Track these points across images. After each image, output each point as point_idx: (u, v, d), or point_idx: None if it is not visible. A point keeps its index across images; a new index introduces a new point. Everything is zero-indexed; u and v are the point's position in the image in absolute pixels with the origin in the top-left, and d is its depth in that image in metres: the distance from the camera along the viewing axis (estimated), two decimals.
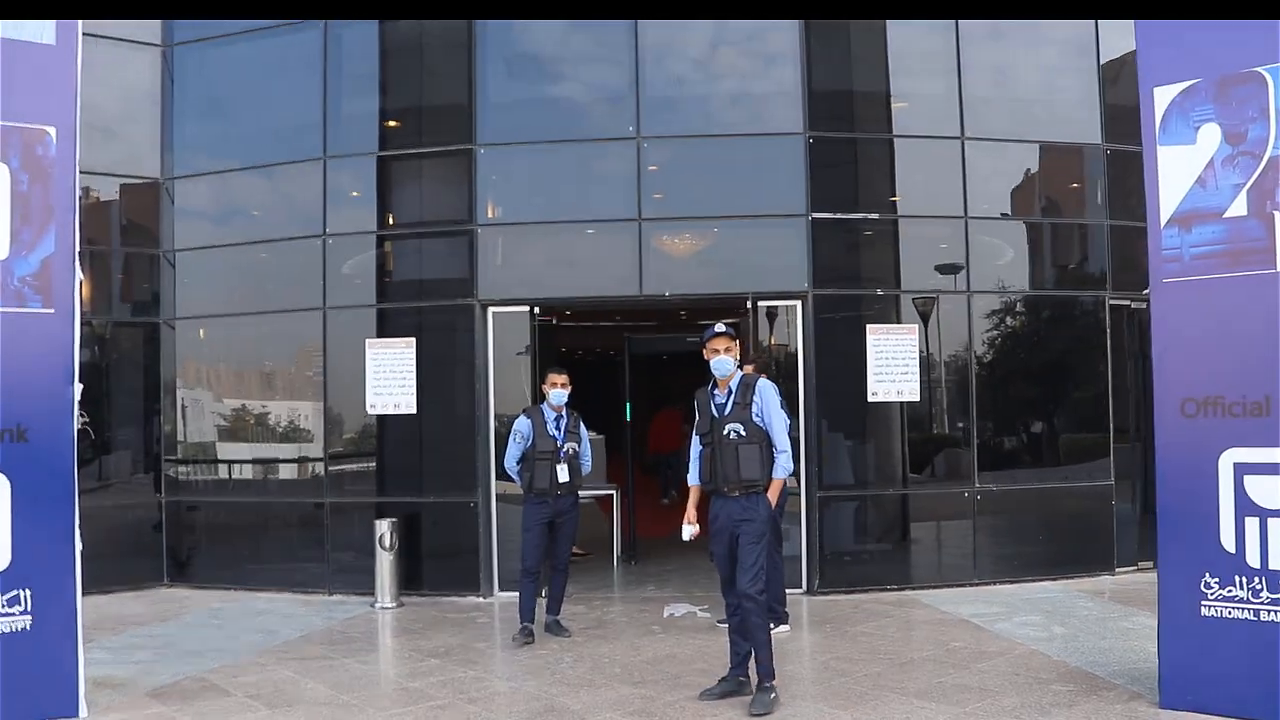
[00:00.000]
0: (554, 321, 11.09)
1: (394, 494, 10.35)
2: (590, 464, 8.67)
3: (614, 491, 12.12)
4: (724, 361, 6.50)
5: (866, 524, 10.31)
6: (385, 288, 10.53)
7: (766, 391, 6.47)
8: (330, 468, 10.51)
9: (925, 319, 10.15)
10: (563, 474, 8.23)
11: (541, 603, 8.56)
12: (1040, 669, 6.91)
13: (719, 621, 8.18)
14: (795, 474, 8.44)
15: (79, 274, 6.33)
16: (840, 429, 10.10)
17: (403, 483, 10.42)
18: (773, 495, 6.43)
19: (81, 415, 6.43)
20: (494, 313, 10.21)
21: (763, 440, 6.35)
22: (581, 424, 8.53)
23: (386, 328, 10.39)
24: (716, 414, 6.49)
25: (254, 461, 11.13)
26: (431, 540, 10.33)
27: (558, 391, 8.28)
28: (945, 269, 10.22)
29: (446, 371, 10.28)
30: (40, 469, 6.10)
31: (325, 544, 10.42)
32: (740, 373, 6.63)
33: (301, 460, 10.81)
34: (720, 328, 6.56)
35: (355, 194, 10.51)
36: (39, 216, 6.20)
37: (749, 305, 10.07)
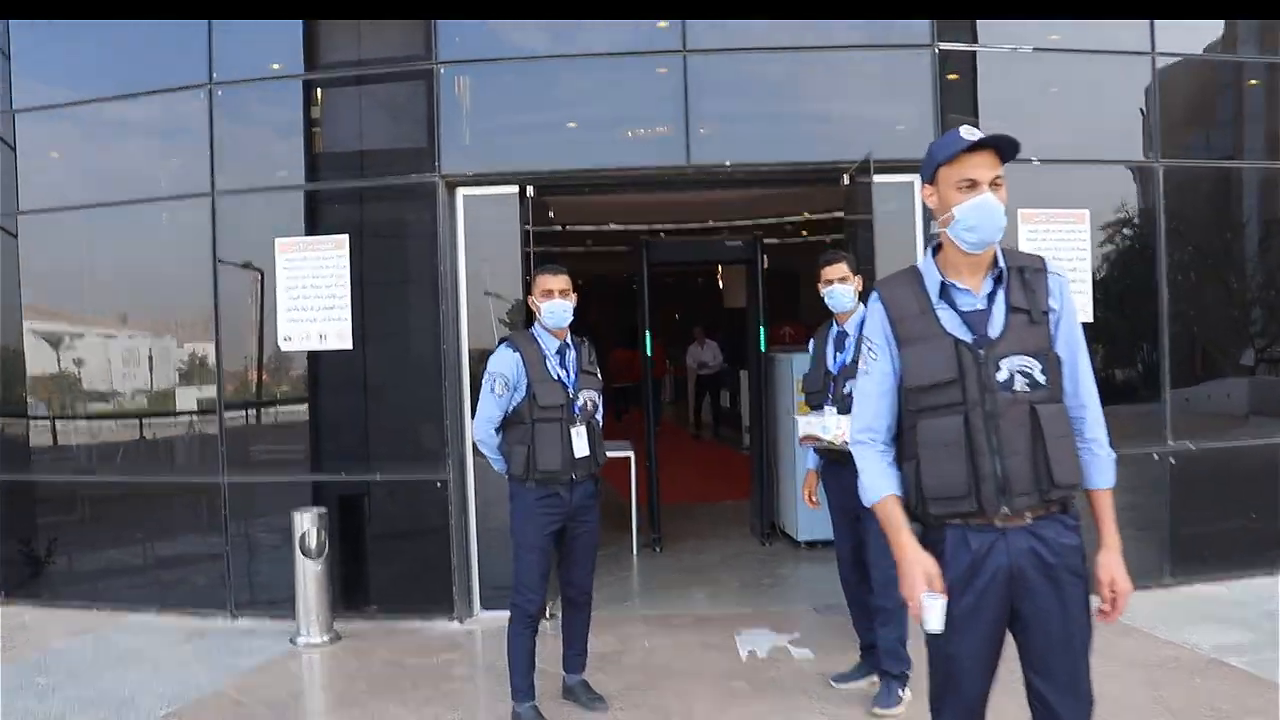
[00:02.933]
0: (551, 216, 7.68)
1: (324, 470, 7.02)
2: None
3: (630, 453, 8.83)
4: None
5: None
6: (302, 162, 7.06)
7: None
8: (230, 433, 7.13)
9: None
10: (579, 443, 4.93)
11: (547, 650, 5.30)
12: None
13: (835, 680, 5.27)
14: None
15: None
16: None
17: (337, 453, 7.06)
18: None
19: None
20: (465, 195, 6.87)
21: None
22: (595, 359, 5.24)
23: (306, 222, 6.98)
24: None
25: (120, 421, 7.70)
26: (382, 538, 7.04)
27: (556, 305, 4.94)
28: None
29: (397, 286, 6.94)
30: None
31: (224, 543, 7.09)
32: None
33: (189, 423, 7.41)
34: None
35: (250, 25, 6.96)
36: None
37: (847, 180, 6.75)
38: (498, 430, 4.94)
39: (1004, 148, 2.86)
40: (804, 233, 15.64)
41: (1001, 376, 2.80)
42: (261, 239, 6.94)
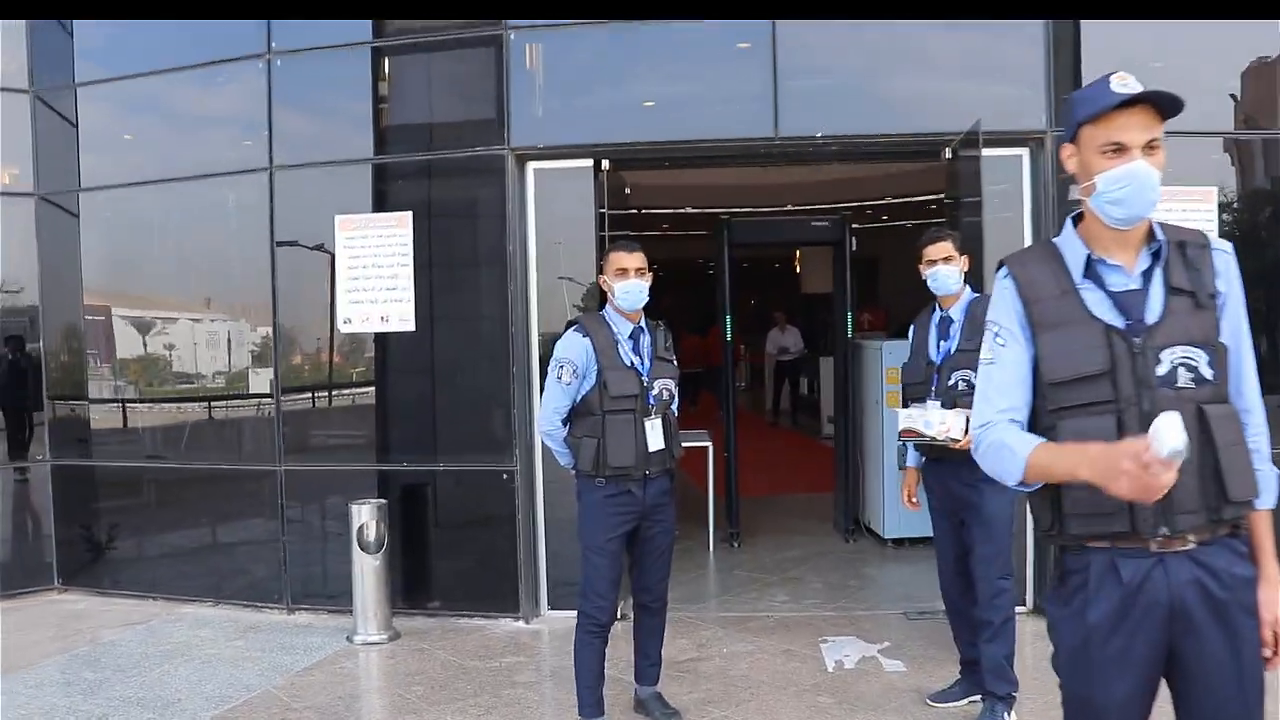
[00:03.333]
0: (627, 193, 7.24)
1: (385, 458, 6.67)
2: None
3: (709, 443, 8.38)
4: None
5: None
6: (363, 135, 6.68)
7: None
8: (287, 419, 6.82)
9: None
10: (654, 436, 4.47)
11: (618, 654, 4.91)
12: None
13: (932, 699, 4.83)
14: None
15: None
16: None
17: (400, 441, 6.70)
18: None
19: None
20: (536, 169, 6.45)
21: None
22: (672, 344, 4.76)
23: (368, 198, 6.63)
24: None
25: (178, 406, 7.43)
26: (445, 531, 6.68)
27: (631, 285, 4.47)
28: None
29: (464, 266, 6.56)
30: None
31: (281, 532, 6.78)
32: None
33: (247, 408, 7.11)
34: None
35: None
36: None
37: (948, 154, 6.22)
38: (565, 422, 4.52)
39: (1164, 105, 2.32)
40: (885, 216, 15.08)
41: (1162, 370, 2.29)
42: (322, 216, 6.59)
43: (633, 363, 4.47)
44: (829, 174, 13.52)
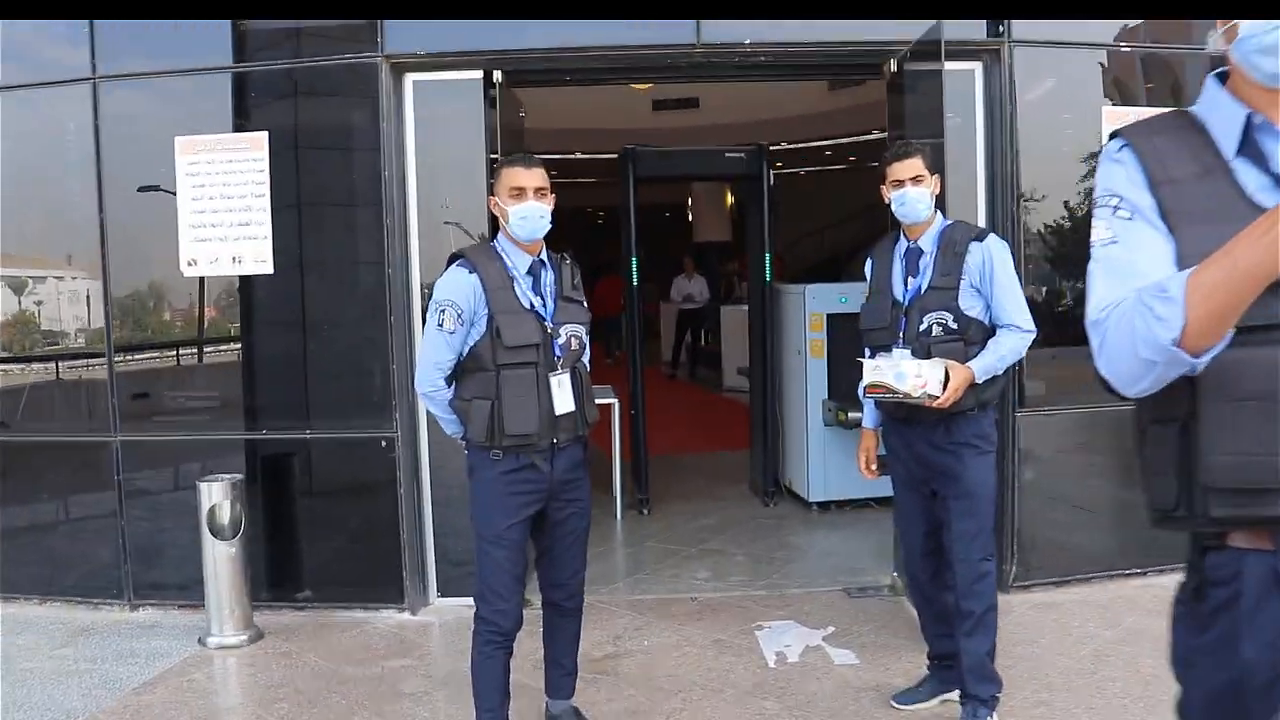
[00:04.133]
0: (521, 114, 6.28)
1: (240, 426, 5.67)
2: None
3: (615, 400, 7.54)
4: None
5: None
6: (205, 41, 5.55)
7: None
8: (122, 381, 5.75)
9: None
10: (562, 396, 3.60)
11: (522, 653, 4.06)
12: None
13: (897, 700, 4.10)
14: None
15: None
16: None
17: (259, 405, 5.69)
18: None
19: None
20: (415, 81, 5.47)
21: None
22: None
23: (215, 115, 5.56)
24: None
25: None
26: (316, 509, 5.72)
27: (529, 209, 3.56)
28: None
29: (331, 195, 5.56)
30: None
31: (119, 516, 5.74)
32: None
33: (71, 366, 6.01)
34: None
35: None
36: None
37: (892, 66, 5.42)
38: (450, 380, 3.62)
39: None
40: (779, 163, 14.46)
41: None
42: (159, 138, 5.51)
43: (532, 304, 3.57)
44: (758, 94, 12.78)
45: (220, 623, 5.14)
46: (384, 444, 5.42)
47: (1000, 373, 3.85)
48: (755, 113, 13.20)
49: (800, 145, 14.76)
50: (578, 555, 3.81)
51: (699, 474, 8.72)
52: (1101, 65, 5.65)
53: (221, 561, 5.14)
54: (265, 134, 5.38)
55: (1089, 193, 5.48)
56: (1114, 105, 5.50)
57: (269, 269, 5.42)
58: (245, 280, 5.55)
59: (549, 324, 3.58)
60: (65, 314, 6.02)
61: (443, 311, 3.50)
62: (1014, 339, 3.82)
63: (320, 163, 5.53)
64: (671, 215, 21.54)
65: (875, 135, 14.10)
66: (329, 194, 5.52)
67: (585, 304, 3.78)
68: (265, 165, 5.38)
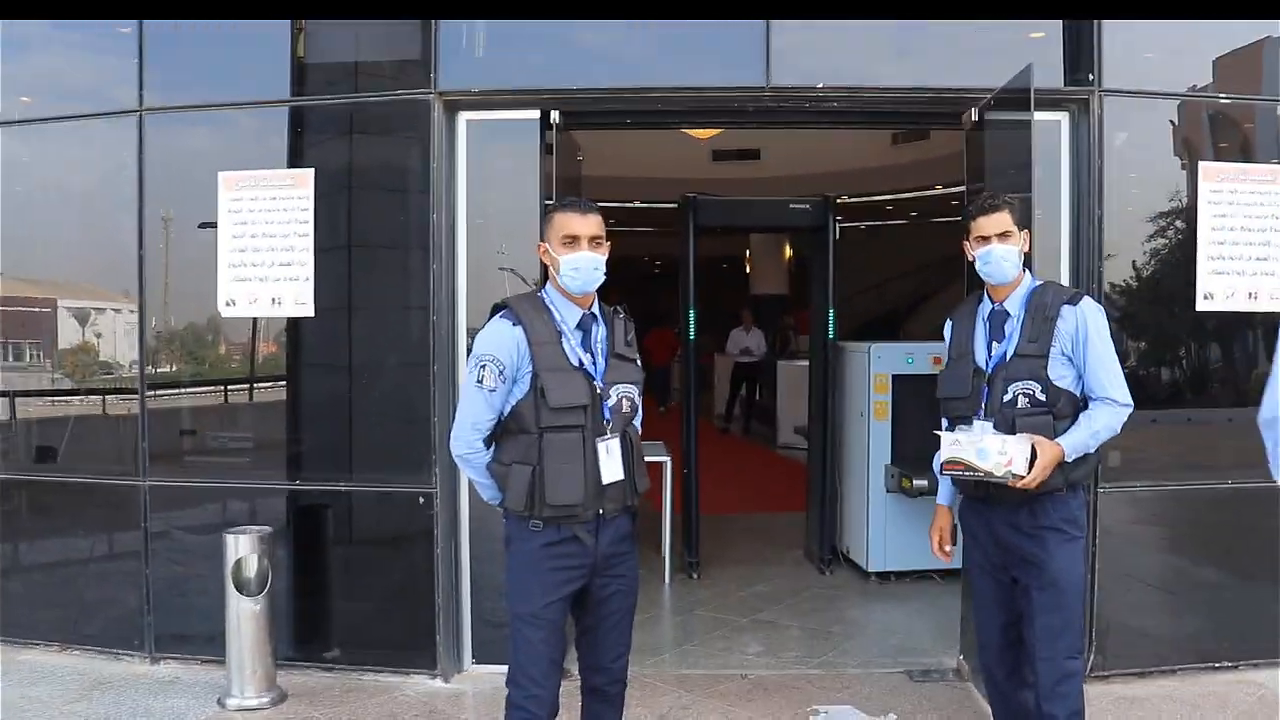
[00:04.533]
0: (579, 159, 6.03)
1: (272, 475, 5.41)
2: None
3: (667, 458, 7.21)
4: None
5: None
6: (252, 76, 5.37)
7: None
8: (154, 422, 5.52)
9: None
10: (610, 463, 3.27)
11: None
12: None
13: None
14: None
15: None
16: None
17: (293, 454, 5.43)
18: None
19: None
20: (469, 121, 5.24)
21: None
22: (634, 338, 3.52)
23: (257, 150, 5.36)
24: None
25: (19, 402, 6.05)
26: (348, 566, 5.43)
27: (582, 260, 3.27)
28: None
29: (376, 237, 5.32)
30: None
31: (144, 564, 5.49)
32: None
33: (99, 405, 5.79)
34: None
35: None
36: None
37: (974, 116, 5.10)
38: (488, 442, 3.32)
39: None
40: (839, 217, 14.27)
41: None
42: (203, 173, 5.31)
43: (581, 362, 3.27)
44: (804, 166, 12.55)
45: (241, 684, 4.85)
46: (422, 500, 5.12)
47: (1092, 450, 3.50)
48: (816, 165, 12.97)
49: (861, 199, 14.47)
50: (623, 636, 3.47)
51: (752, 536, 8.35)
52: (1193, 116, 5.30)
53: (245, 618, 4.86)
54: (311, 171, 5.16)
55: (1179, 247, 5.13)
56: (1210, 161, 5.13)
57: (310, 311, 5.18)
58: (284, 323, 5.31)
59: (599, 384, 3.27)
60: (120, 347, 5.80)
61: (483, 367, 3.20)
62: (1108, 414, 3.47)
63: (367, 203, 5.30)
64: (728, 267, 21.32)
65: (938, 190, 13.88)
66: (375, 236, 5.28)
67: (639, 362, 3.47)
68: (310, 204, 5.15)
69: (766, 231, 15.44)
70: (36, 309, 5.96)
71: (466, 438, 3.28)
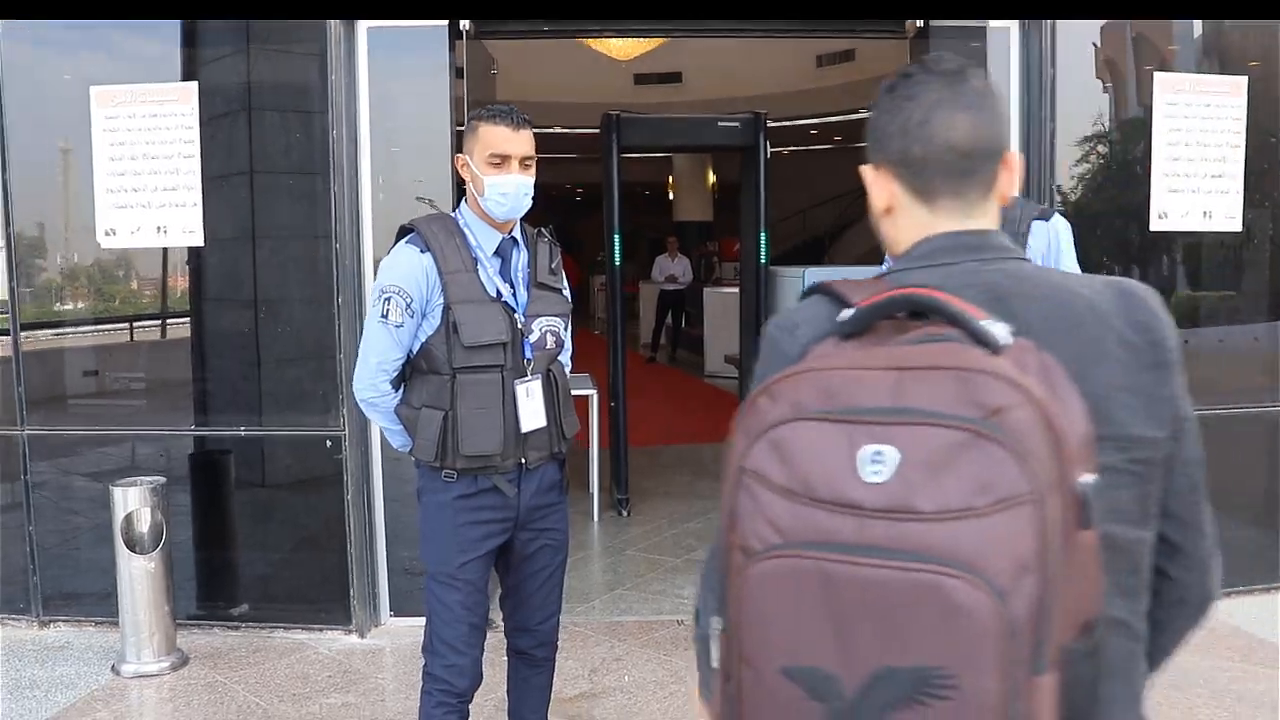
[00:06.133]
0: (493, 73, 5.59)
1: (168, 420, 4.98)
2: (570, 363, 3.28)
3: (593, 391, 6.88)
4: None
5: None
6: None
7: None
8: (31, 363, 5.04)
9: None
10: (530, 408, 2.90)
11: (485, 707, 3.40)
12: None
13: None
14: None
15: None
16: None
17: (185, 398, 4.99)
18: None
19: None
20: (370, 29, 4.76)
21: None
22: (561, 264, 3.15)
23: (137, 62, 4.85)
24: None
25: None
26: (252, 517, 5.04)
27: (510, 182, 2.84)
28: None
29: (271, 159, 4.85)
30: None
31: (27, 520, 5.04)
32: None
33: None
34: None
35: None
36: None
37: (919, 24, 4.77)
38: (396, 384, 2.94)
39: None
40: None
41: None
42: (73, 87, 4.79)
43: (500, 293, 2.90)
44: (727, 89, 12.17)
45: (138, 648, 4.46)
46: (329, 443, 4.74)
47: None
48: (739, 89, 12.58)
49: (785, 123, 14.15)
50: (551, 595, 3.15)
51: (683, 469, 8.10)
52: (1151, 25, 5.04)
53: (139, 578, 4.46)
54: (194, 85, 4.67)
55: (1125, 165, 4.89)
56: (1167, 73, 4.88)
57: (199, 241, 4.73)
58: (178, 256, 4.85)
59: (520, 317, 2.90)
60: None
61: (388, 300, 2.81)
62: None
63: (259, 122, 4.82)
64: (650, 194, 20.96)
65: (864, 114, 13.63)
66: (269, 159, 4.81)
67: (566, 291, 3.11)
68: (195, 122, 4.67)
69: (694, 151, 15.00)
70: None
71: (371, 379, 2.90)
